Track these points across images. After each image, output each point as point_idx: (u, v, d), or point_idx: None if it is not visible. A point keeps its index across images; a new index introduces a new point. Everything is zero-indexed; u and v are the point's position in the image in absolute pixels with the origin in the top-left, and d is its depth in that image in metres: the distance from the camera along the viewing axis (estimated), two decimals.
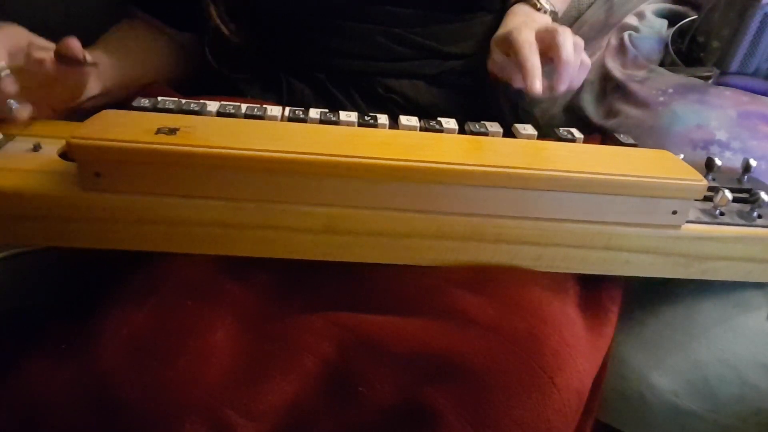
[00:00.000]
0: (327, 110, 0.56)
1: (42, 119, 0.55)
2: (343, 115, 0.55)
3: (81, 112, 0.55)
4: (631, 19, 0.82)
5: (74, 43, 0.52)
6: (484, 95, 0.78)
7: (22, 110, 0.51)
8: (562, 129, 0.59)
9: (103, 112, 0.50)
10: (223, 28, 0.68)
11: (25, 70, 0.51)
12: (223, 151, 0.45)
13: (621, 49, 0.79)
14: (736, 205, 0.57)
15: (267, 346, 0.46)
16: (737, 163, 0.61)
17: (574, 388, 0.46)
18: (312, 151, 0.46)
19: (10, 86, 0.50)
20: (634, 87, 0.73)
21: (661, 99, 0.70)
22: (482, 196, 0.49)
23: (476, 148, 0.52)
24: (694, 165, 0.53)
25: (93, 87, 0.59)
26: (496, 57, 0.67)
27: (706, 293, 0.61)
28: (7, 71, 0.49)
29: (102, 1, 0.78)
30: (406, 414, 0.43)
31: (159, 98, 0.54)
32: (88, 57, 0.53)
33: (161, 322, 0.45)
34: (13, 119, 0.51)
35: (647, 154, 0.55)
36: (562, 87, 0.60)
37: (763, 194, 0.56)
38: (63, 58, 0.52)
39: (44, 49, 0.52)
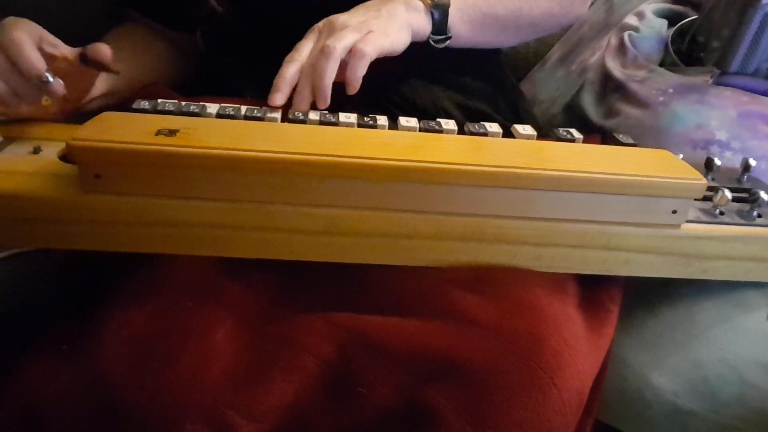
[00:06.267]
0: (326, 111, 0.56)
1: (46, 120, 0.56)
2: (343, 117, 0.55)
3: (82, 115, 0.55)
4: (631, 19, 0.82)
5: (106, 50, 0.53)
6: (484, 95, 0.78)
7: (57, 84, 0.52)
8: (561, 129, 0.59)
9: (103, 114, 0.50)
10: (216, 6, 0.69)
11: None
12: (223, 152, 0.45)
13: (621, 49, 0.79)
14: (736, 205, 0.57)
15: (267, 347, 0.46)
16: (737, 163, 0.61)
17: (574, 389, 0.46)
18: (312, 152, 0.47)
19: (59, 88, 0.51)
20: (634, 87, 0.73)
21: (661, 99, 0.70)
22: (482, 196, 0.49)
23: (476, 149, 0.52)
24: (693, 165, 0.53)
25: (97, 88, 0.60)
26: None
27: (706, 293, 0.61)
28: (51, 76, 0.51)
29: (102, 2, 0.78)
30: (406, 414, 0.44)
31: (159, 100, 0.54)
32: (117, 66, 0.55)
33: (162, 323, 0.45)
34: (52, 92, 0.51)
35: (647, 153, 0.55)
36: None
37: (762, 194, 0.56)
38: (90, 60, 0.53)
39: (53, 45, 0.53)
